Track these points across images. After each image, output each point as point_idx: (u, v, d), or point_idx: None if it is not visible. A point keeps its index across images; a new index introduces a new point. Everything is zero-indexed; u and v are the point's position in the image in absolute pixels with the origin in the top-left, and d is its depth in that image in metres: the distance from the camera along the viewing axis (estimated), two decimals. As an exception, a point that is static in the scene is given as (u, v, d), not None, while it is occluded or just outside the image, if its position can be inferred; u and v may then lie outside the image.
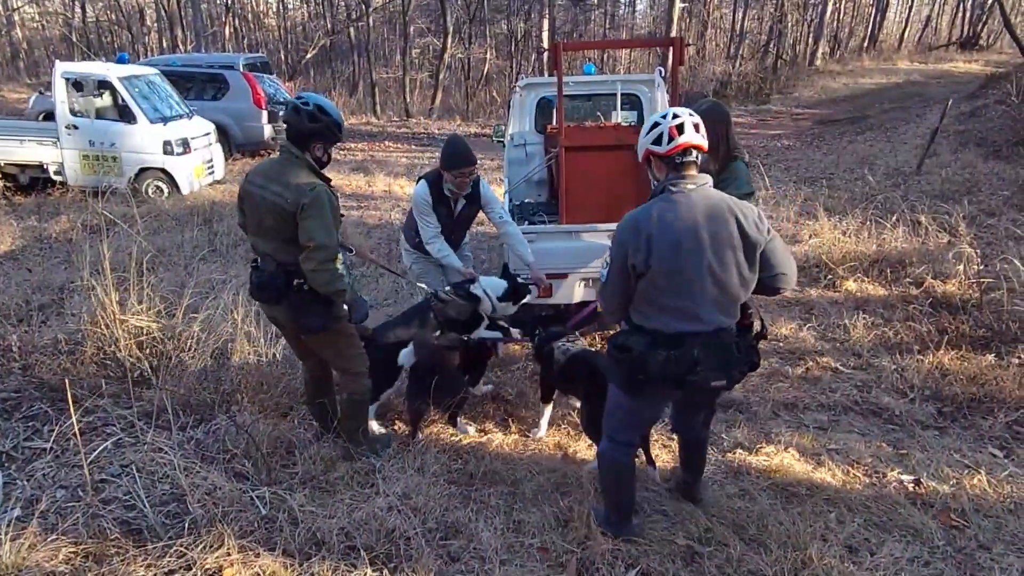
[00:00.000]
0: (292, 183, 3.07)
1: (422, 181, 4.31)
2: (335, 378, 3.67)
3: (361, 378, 3.53)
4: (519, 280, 4.43)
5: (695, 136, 2.61)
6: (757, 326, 2.85)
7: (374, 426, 3.94)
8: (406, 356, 3.93)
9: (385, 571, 2.80)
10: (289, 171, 3.13)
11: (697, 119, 2.64)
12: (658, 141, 2.64)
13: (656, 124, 2.66)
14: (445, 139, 4.45)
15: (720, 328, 2.61)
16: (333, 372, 3.66)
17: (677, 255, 2.53)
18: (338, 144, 3.33)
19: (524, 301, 4.41)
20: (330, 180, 3.23)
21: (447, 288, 4.24)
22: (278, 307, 3.27)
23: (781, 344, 5.18)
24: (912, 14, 33.50)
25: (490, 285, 4.30)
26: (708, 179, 2.66)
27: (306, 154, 3.17)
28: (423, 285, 4.28)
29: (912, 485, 3.44)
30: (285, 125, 3.21)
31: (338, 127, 3.20)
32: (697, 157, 2.65)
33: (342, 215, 3.29)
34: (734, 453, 3.74)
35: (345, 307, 3.27)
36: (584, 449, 3.82)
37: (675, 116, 2.62)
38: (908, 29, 32.44)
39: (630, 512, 3.08)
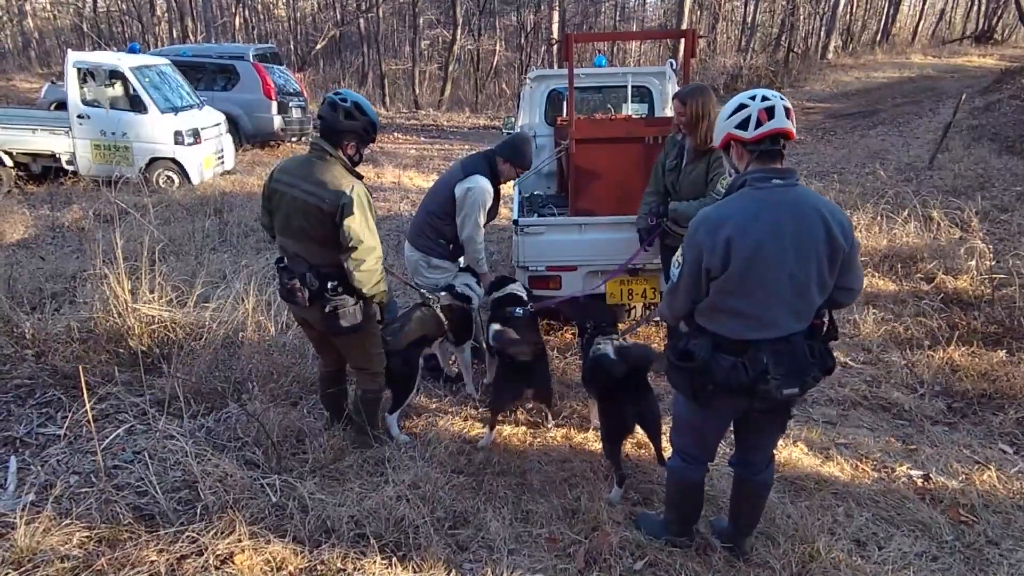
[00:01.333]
0: (328, 183, 3.00)
1: (481, 178, 4.13)
2: (350, 373, 3.68)
3: (378, 377, 3.52)
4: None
5: (785, 122, 2.32)
6: (827, 326, 2.54)
7: (399, 435, 3.83)
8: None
9: (394, 559, 2.83)
10: (321, 169, 3.06)
11: (788, 103, 2.35)
12: (743, 125, 2.34)
13: (743, 106, 2.37)
14: (516, 134, 4.39)
15: (792, 333, 2.38)
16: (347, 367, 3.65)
17: (757, 261, 2.27)
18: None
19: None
20: (363, 177, 3.19)
21: (441, 292, 4.17)
22: (310, 309, 3.20)
23: (790, 338, 5.16)
24: (926, 7, 33.15)
25: (467, 281, 4.30)
26: (795, 173, 2.38)
27: (339, 151, 3.11)
28: (421, 288, 4.17)
29: (921, 480, 3.43)
30: (319, 120, 3.15)
31: (373, 127, 3.16)
32: (784, 146, 2.38)
33: None
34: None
35: (377, 307, 3.26)
36: (592, 442, 3.83)
37: (764, 99, 2.33)
38: (922, 22, 32.12)
39: (694, 523, 2.94)
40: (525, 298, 4.28)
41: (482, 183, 4.12)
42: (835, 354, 4.71)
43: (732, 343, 2.38)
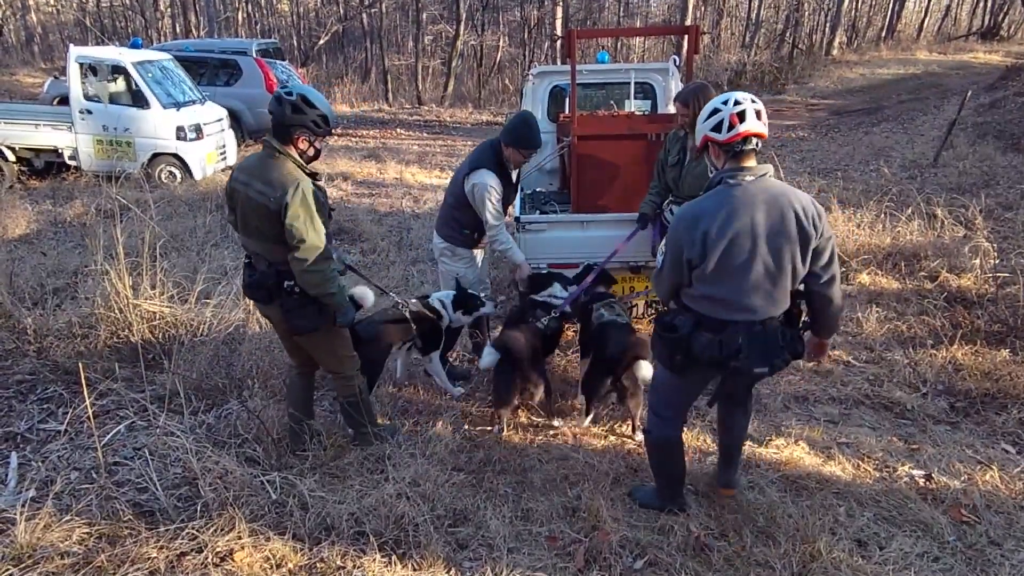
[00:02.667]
0: (274, 180, 2.91)
1: (484, 171, 4.01)
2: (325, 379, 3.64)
3: (353, 380, 3.44)
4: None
5: (756, 124, 2.54)
6: (804, 315, 2.81)
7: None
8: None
9: (394, 557, 2.83)
10: (271, 167, 2.96)
11: (759, 106, 2.56)
12: (718, 128, 2.57)
13: (716, 110, 2.59)
14: (517, 114, 4.20)
15: (768, 317, 2.62)
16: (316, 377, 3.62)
17: (732, 251, 2.51)
18: (326, 138, 3.13)
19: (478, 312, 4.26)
20: (317, 175, 3.07)
21: (413, 300, 4.08)
22: (270, 307, 3.17)
23: (792, 337, 5.14)
24: (931, 3, 32.93)
25: (444, 297, 4.20)
26: (769, 168, 2.60)
27: (289, 148, 3.00)
28: (394, 295, 4.02)
29: (923, 480, 3.41)
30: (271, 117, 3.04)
31: (324, 120, 3.01)
32: (757, 145, 2.58)
33: (332, 209, 3.17)
34: (744, 445, 3.72)
35: (331, 310, 3.15)
36: (593, 440, 3.82)
37: (736, 103, 2.54)
38: (927, 19, 31.90)
39: (682, 485, 3.16)
40: (558, 300, 4.19)
41: (484, 177, 4.01)
42: (837, 352, 4.76)
43: (713, 322, 2.63)
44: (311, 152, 3.10)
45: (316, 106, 2.97)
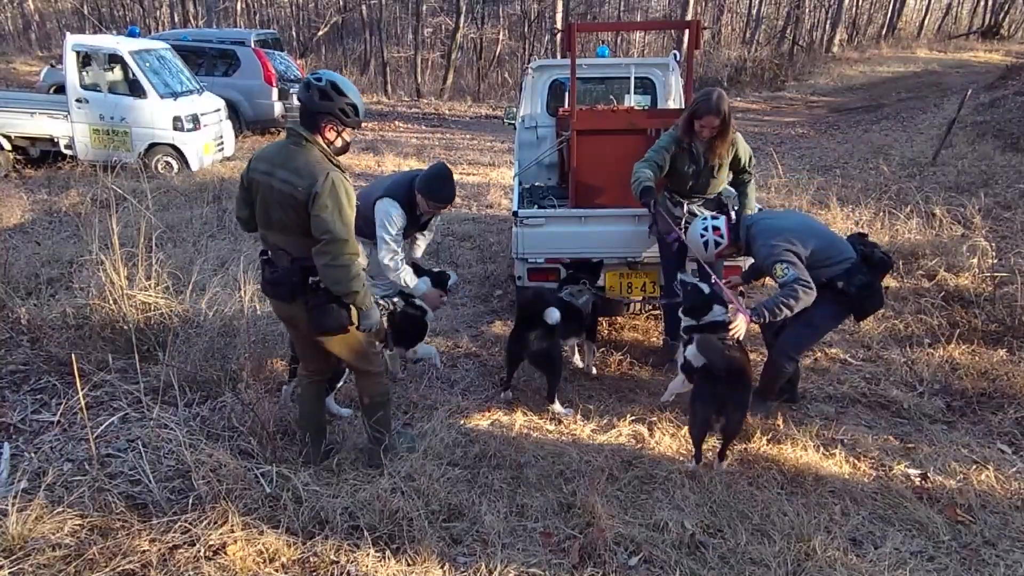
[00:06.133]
0: (302, 169, 2.79)
1: (394, 202, 3.89)
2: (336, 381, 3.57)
3: (380, 378, 3.29)
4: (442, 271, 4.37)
5: None
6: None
7: (340, 410, 3.87)
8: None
9: (387, 551, 2.81)
10: (296, 155, 2.83)
11: None
12: None
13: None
14: (434, 165, 4.10)
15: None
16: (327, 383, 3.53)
17: (805, 228, 3.71)
18: (355, 130, 2.99)
19: (449, 284, 4.28)
20: (343, 168, 2.92)
21: (395, 299, 4.01)
22: (292, 305, 3.01)
23: (790, 334, 5.14)
24: (932, 2, 32.89)
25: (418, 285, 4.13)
26: None
27: (316, 136, 2.87)
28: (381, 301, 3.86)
29: (919, 479, 3.41)
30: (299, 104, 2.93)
31: (354, 108, 2.88)
32: None
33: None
34: (740, 442, 3.72)
35: (354, 311, 2.99)
36: (588, 436, 3.81)
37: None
38: (928, 17, 31.86)
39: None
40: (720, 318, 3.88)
41: (388, 207, 3.91)
42: (834, 350, 4.75)
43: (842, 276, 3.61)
44: (339, 143, 2.96)
45: (345, 94, 2.85)
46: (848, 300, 3.64)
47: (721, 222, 3.89)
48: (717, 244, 3.88)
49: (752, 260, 4.04)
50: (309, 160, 2.82)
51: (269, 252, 3.03)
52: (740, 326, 3.48)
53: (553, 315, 3.85)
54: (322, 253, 2.80)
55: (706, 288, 3.73)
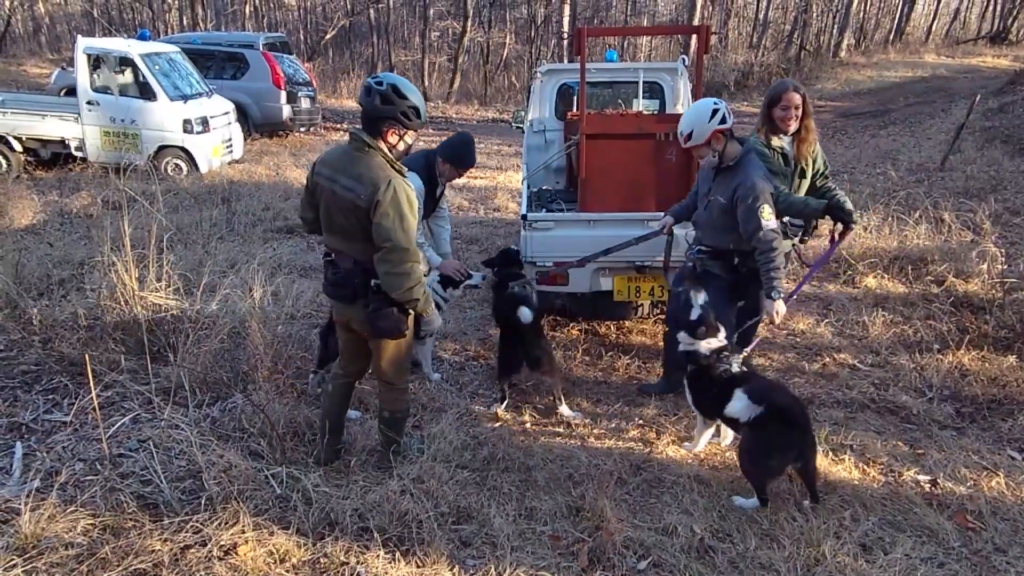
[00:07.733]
0: (364, 176, 2.78)
1: (414, 175, 3.85)
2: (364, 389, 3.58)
3: (404, 395, 3.32)
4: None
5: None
6: None
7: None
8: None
9: (397, 553, 2.82)
10: (358, 162, 2.83)
11: None
12: (724, 120, 3.49)
13: (716, 110, 3.51)
14: (458, 134, 4.29)
15: None
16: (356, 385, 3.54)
17: None
18: (416, 132, 2.97)
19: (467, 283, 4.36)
20: (404, 173, 2.92)
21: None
22: (352, 307, 3.04)
23: (798, 339, 5.14)
24: (940, 6, 32.81)
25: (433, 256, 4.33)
26: None
27: (379, 141, 2.86)
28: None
29: (928, 485, 3.40)
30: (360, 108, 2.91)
31: (416, 111, 2.85)
32: None
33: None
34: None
35: (412, 316, 3.02)
36: (598, 440, 3.81)
37: (716, 101, 3.43)
38: (936, 22, 31.81)
39: None
40: None
41: (413, 180, 3.97)
42: (843, 356, 4.75)
43: None
44: (401, 147, 2.95)
45: (407, 96, 2.83)
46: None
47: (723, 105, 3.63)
48: (724, 120, 3.54)
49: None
50: (371, 167, 2.82)
51: (332, 254, 3.06)
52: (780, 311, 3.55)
53: (525, 314, 3.92)
54: (383, 260, 2.82)
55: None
